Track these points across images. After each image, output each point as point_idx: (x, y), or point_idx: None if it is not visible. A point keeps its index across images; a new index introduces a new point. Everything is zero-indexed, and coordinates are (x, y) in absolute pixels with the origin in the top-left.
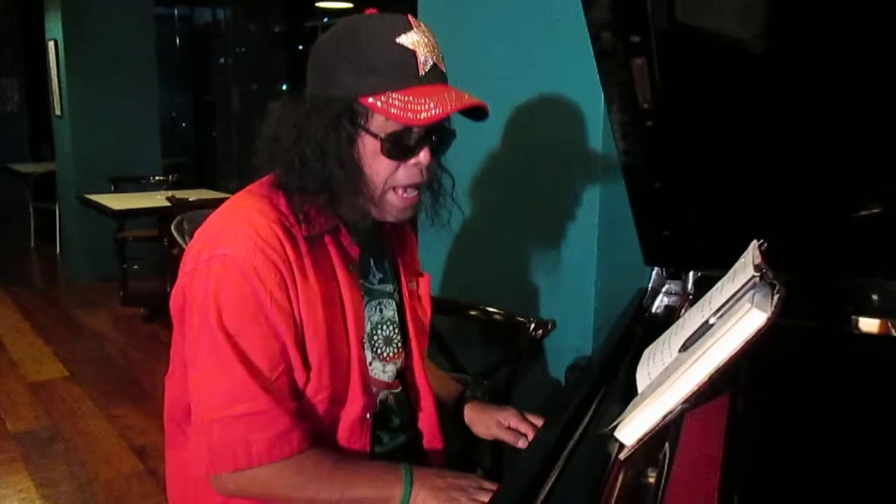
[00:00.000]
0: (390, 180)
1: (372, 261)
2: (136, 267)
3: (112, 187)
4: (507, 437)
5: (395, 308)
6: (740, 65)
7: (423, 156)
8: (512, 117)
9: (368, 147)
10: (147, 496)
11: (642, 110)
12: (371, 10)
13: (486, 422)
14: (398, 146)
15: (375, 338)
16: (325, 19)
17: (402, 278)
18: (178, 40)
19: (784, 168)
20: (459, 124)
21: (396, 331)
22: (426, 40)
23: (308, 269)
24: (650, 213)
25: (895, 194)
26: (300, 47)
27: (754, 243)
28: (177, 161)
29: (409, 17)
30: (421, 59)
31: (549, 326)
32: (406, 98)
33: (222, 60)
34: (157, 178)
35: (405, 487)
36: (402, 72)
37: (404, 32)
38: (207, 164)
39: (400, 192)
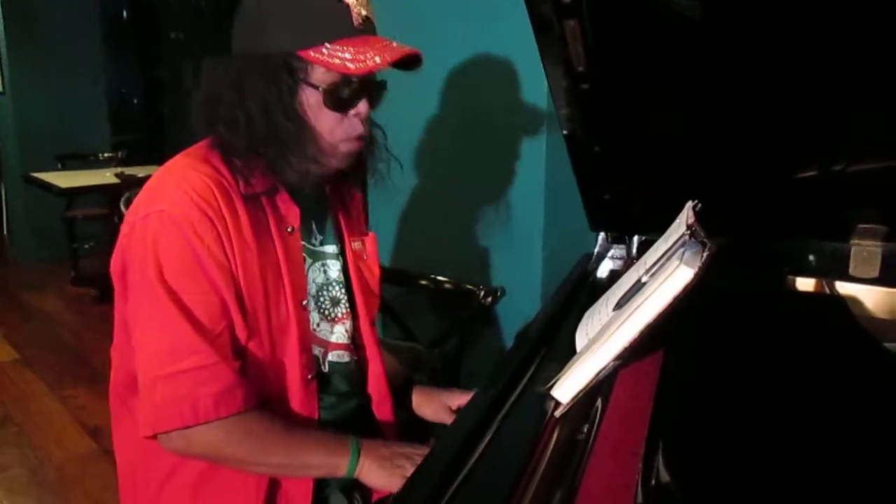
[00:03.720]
0: (336, 132)
1: (314, 222)
2: (87, 246)
3: (59, 165)
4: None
5: (341, 269)
6: (673, 26)
7: (363, 106)
8: (458, 87)
9: (311, 99)
10: (101, 475)
11: (577, 73)
12: None
13: (432, 405)
14: (339, 97)
15: (322, 299)
16: None
17: (346, 238)
18: (125, 14)
19: (721, 130)
20: (405, 95)
21: (343, 291)
22: None
23: (245, 229)
24: (591, 177)
25: (830, 156)
26: None
27: (689, 204)
28: (127, 138)
29: None
30: (354, 11)
31: (499, 293)
32: (344, 49)
33: (173, 35)
34: (105, 154)
35: (352, 456)
36: (338, 24)
37: None
38: (158, 139)
39: (343, 145)
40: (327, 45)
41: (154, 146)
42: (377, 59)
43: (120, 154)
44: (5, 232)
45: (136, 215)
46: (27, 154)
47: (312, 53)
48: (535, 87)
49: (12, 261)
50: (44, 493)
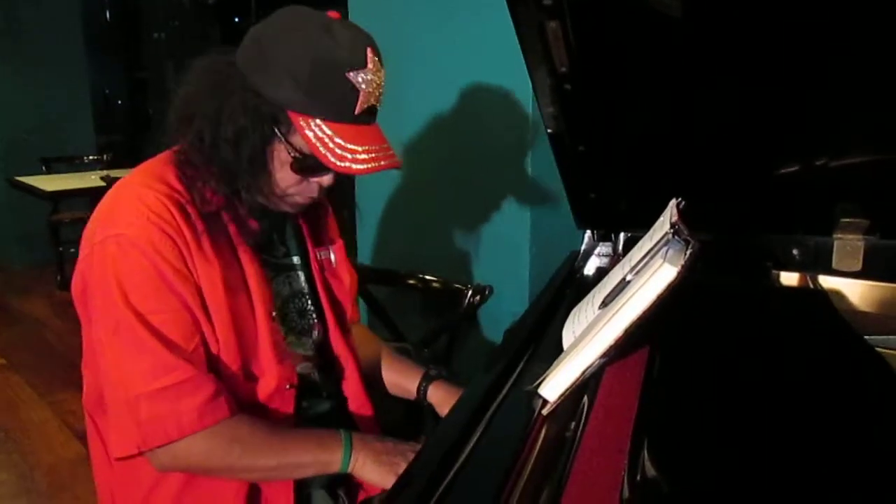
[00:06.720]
0: (291, 189)
1: (275, 234)
2: (73, 250)
3: (44, 168)
4: None
5: (306, 280)
6: (654, 25)
7: (327, 179)
8: (443, 88)
9: (280, 155)
10: (92, 481)
11: (560, 74)
12: (335, 14)
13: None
14: (308, 167)
15: (288, 311)
16: None
17: (310, 249)
18: (108, 15)
19: (704, 128)
20: (390, 95)
21: (309, 303)
22: (375, 80)
23: (205, 246)
24: (577, 176)
25: (812, 151)
26: (236, 19)
27: (673, 202)
28: (112, 139)
29: (370, 49)
30: (362, 99)
31: (487, 292)
32: (333, 135)
33: (156, 35)
34: (90, 157)
35: (345, 451)
36: (340, 107)
37: (359, 69)
38: (143, 141)
39: (296, 199)
40: (319, 120)
41: (139, 147)
42: (357, 167)
43: (105, 156)
44: None
45: (94, 239)
46: (11, 157)
47: (302, 122)
48: (522, 86)
49: None
50: (34, 499)
